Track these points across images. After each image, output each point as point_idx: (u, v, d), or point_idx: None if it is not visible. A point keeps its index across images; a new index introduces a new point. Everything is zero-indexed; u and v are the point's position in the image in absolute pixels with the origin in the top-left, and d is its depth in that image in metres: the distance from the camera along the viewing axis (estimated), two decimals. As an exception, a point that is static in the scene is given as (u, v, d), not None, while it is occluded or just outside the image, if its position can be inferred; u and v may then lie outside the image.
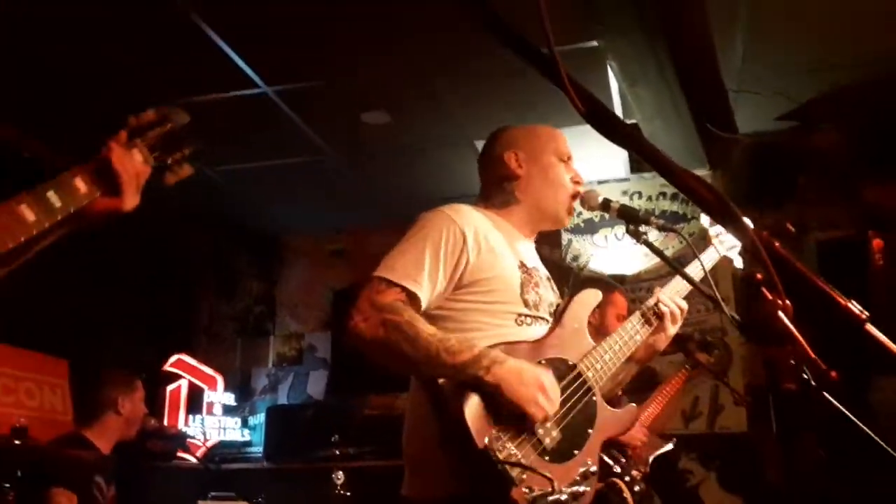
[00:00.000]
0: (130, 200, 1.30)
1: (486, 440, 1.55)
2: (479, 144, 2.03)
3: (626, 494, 3.17)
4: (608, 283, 3.11)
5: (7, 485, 2.44)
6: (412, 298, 1.68)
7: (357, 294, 1.68)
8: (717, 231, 2.15)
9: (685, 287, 2.02)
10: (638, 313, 1.98)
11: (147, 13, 3.32)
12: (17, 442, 2.49)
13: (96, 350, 4.94)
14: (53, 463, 3.04)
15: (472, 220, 1.81)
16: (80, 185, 1.23)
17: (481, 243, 1.79)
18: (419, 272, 1.70)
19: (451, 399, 1.59)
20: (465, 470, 1.58)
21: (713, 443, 4.50)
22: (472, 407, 1.58)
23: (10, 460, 2.49)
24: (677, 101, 3.89)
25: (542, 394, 1.63)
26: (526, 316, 1.80)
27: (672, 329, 2.01)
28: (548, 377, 1.67)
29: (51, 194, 1.18)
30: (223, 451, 5.26)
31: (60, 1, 3.21)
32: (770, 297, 1.21)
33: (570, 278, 1.99)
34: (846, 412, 1.40)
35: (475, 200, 2.00)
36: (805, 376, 1.23)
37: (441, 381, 1.62)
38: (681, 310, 2.02)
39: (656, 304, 2.00)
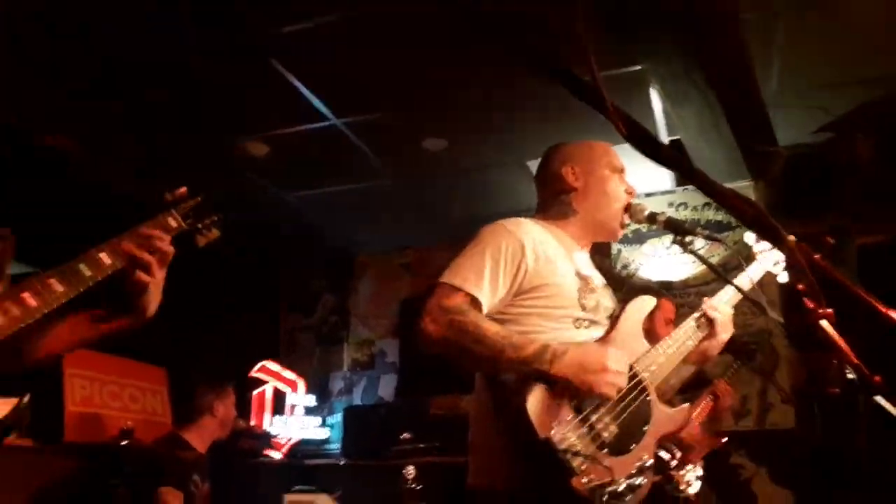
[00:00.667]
0: (159, 275, 1.44)
1: (547, 432, 1.53)
2: (532, 165, 2.04)
3: (683, 487, 3.10)
4: (656, 290, 3.06)
5: (117, 482, 2.52)
6: (475, 302, 1.67)
7: (425, 300, 1.68)
8: (761, 247, 2.09)
9: (734, 294, 1.97)
10: (691, 319, 1.94)
11: (233, 60, 3.46)
12: (124, 443, 2.57)
13: (191, 359, 5.08)
14: (159, 462, 3.13)
15: (529, 232, 1.81)
16: (126, 246, 1.38)
17: (539, 253, 1.77)
18: (481, 279, 1.70)
19: (514, 393, 1.58)
20: (527, 460, 1.56)
21: (763, 439, 4.35)
22: (534, 400, 1.56)
23: (119, 459, 2.58)
24: (718, 118, 3.81)
25: (608, 374, 1.60)
26: (583, 320, 1.78)
27: (723, 335, 1.96)
28: (613, 353, 1.63)
29: (103, 255, 1.34)
30: (304, 449, 5.31)
31: (162, 50, 3.36)
32: (812, 307, 1.18)
33: (621, 286, 1.96)
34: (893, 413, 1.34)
35: (533, 214, 1.98)
36: (850, 379, 1.19)
37: (504, 376, 1.61)
38: (729, 317, 1.97)
39: (706, 312, 1.95)
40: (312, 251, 5.95)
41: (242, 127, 4.09)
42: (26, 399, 1.21)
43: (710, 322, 1.94)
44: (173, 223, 1.50)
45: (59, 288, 1.28)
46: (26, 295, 1.25)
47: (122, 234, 1.42)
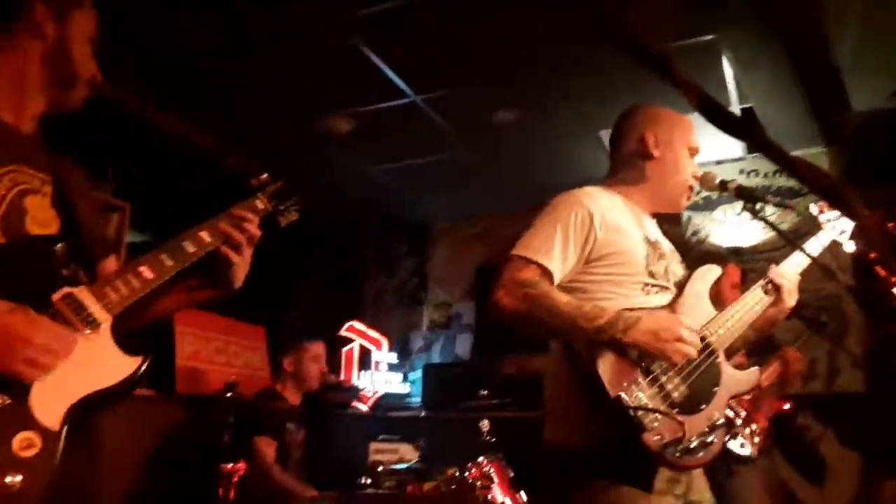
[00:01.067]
0: (247, 253, 1.53)
1: (618, 390, 1.53)
2: (604, 134, 2.00)
3: (746, 446, 3.03)
4: (725, 257, 2.96)
5: (222, 431, 2.66)
6: (546, 273, 1.66)
7: (499, 271, 1.68)
8: (828, 216, 1.99)
9: (802, 260, 1.90)
10: (758, 286, 1.88)
11: (318, 41, 3.51)
12: (229, 395, 2.71)
13: (287, 319, 5.28)
14: (258, 413, 3.29)
15: (598, 201, 1.77)
16: (223, 226, 1.48)
17: (607, 221, 1.74)
18: (551, 250, 1.68)
19: (587, 355, 1.57)
20: (599, 420, 1.56)
21: (830, 402, 4.18)
22: (605, 362, 1.56)
23: (224, 410, 2.72)
24: (791, 84, 3.61)
25: (680, 341, 1.58)
26: (652, 285, 1.75)
27: (790, 301, 1.89)
28: (682, 324, 1.61)
29: (203, 234, 1.45)
30: (388, 402, 5.44)
31: (256, 36, 3.46)
32: (884, 274, 1.12)
33: (691, 253, 1.91)
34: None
35: (604, 178, 1.94)
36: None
37: (577, 344, 1.61)
38: (795, 284, 1.90)
39: (773, 279, 1.89)
40: (394, 219, 6.03)
41: (328, 105, 4.16)
42: (150, 358, 1.30)
43: (777, 288, 1.88)
44: (261, 205, 1.57)
45: (169, 262, 1.38)
46: (143, 269, 1.35)
47: (219, 214, 1.51)
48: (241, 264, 1.52)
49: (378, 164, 4.96)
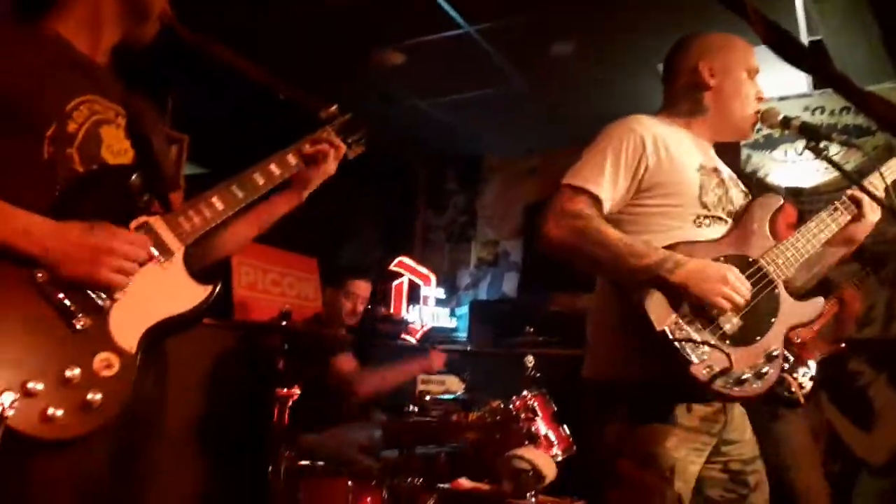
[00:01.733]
0: (331, 168, 1.61)
1: (665, 326, 1.51)
2: (661, 68, 1.90)
3: (795, 388, 2.98)
4: (783, 197, 2.84)
5: (278, 356, 2.75)
6: (596, 202, 1.63)
7: (549, 203, 1.66)
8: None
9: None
10: (825, 212, 1.79)
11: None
12: (284, 323, 2.78)
13: (339, 251, 5.37)
14: (311, 340, 3.39)
15: (651, 128, 1.71)
16: (292, 159, 1.53)
17: (660, 149, 1.68)
18: (601, 178, 1.64)
19: (634, 291, 1.56)
20: (644, 354, 1.55)
21: (886, 347, 4.06)
22: (653, 299, 1.54)
23: (279, 337, 2.80)
24: (865, 15, 3.37)
25: (728, 287, 1.54)
26: (705, 217, 1.69)
27: (872, 216, 1.80)
28: (732, 271, 1.57)
29: (272, 166, 1.50)
30: (435, 335, 5.53)
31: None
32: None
33: (748, 191, 1.84)
34: None
35: (659, 110, 1.86)
36: None
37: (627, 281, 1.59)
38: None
39: (853, 193, 1.78)
40: (445, 155, 5.98)
41: (380, 38, 4.09)
42: (219, 286, 1.35)
43: (857, 203, 1.79)
44: (330, 137, 1.61)
45: (240, 194, 1.43)
46: (214, 199, 1.40)
47: (289, 147, 1.55)
48: (320, 179, 1.61)
49: (430, 98, 4.89)
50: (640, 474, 1.59)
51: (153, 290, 1.28)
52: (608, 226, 1.61)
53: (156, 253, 1.30)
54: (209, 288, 1.34)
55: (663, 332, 1.51)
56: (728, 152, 1.90)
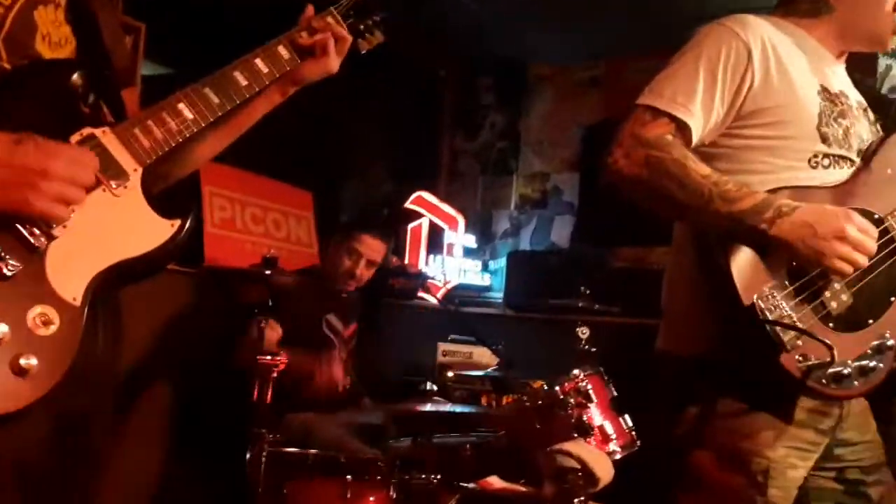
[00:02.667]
0: (332, 64, 1.58)
1: (755, 297, 1.50)
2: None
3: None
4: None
5: (259, 314, 2.77)
6: (682, 130, 1.61)
7: (618, 127, 1.64)
8: None
9: None
10: None
11: None
12: (267, 272, 2.79)
13: (341, 184, 5.36)
14: (302, 294, 3.40)
15: (760, 34, 1.67)
16: (283, 52, 1.52)
17: (771, 62, 1.65)
18: (691, 98, 1.62)
19: (718, 249, 1.55)
20: (729, 329, 1.56)
21: None
22: (742, 259, 1.53)
23: (261, 289, 2.81)
24: None
25: (847, 245, 1.50)
26: (823, 155, 1.67)
27: None
28: (853, 220, 1.53)
29: (258, 61, 1.49)
30: (462, 294, 5.56)
31: None
32: None
33: (886, 114, 1.78)
34: None
35: (772, 10, 1.82)
36: None
37: (710, 231, 1.59)
38: None
39: None
40: (480, 60, 5.88)
41: None
42: (190, 220, 1.35)
43: None
44: (333, 23, 1.56)
45: (215, 99, 1.41)
46: (182, 106, 1.38)
47: (278, 37, 1.52)
48: (316, 77, 1.59)
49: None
50: (722, 476, 1.60)
51: (103, 226, 1.27)
52: (695, 160, 1.59)
53: (106, 176, 1.28)
54: (177, 222, 1.32)
55: (751, 307, 1.50)
56: (859, 68, 1.84)
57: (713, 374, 1.61)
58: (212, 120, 1.41)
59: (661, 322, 1.78)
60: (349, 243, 3.56)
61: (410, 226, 5.58)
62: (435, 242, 5.61)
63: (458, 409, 3.02)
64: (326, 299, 3.61)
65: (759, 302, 1.51)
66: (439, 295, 5.44)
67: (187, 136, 1.38)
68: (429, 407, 2.79)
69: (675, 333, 1.72)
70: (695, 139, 1.64)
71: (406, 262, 5.28)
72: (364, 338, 3.82)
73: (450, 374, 4.43)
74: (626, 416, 3.02)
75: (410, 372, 4.57)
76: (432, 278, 5.39)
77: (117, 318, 1.40)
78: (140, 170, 1.32)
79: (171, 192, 1.48)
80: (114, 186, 1.29)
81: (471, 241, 5.81)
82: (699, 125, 1.63)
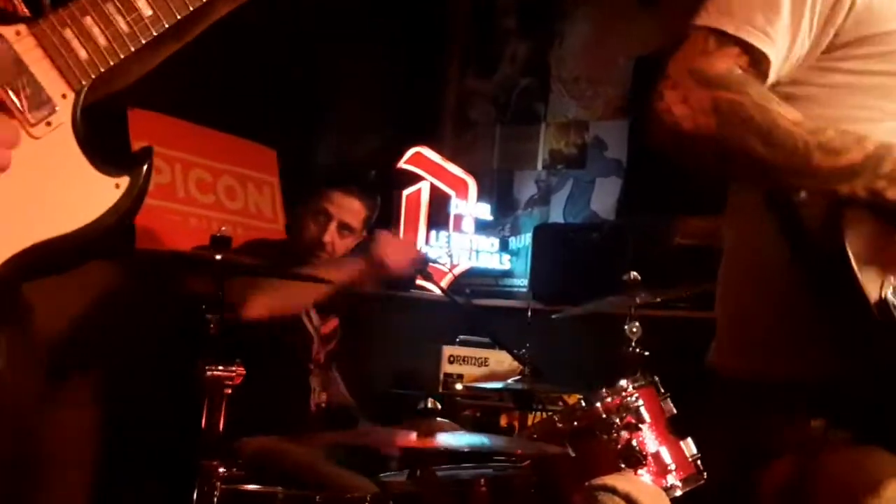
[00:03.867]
0: None
1: (883, 288, 1.50)
2: None
3: None
4: None
5: (209, 311, 2.79)
6: (757, 63, 1.60)
7: (671, 59, 1.63)
8: None
9: None
10: None
11: None
12: (218, 256, 2.80)
13: (314, 139, 5.34)
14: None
15: None
16: None
17: None
18: (771, 20, 1.60)
19: (823, 223, 1.54)
20: (840, 335, 1.55)
21: None
22: (860, 231, 1.52)
23: (210, 279, 2.82)
24: None
25: None
26: None
27: None
28: None
29: None
30: (475, 282, 5.59)
31: None
32: None
33: None
34: None
35: None
36: None
37: (803, 195, 1.57)
38: None
39: None
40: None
41: None
42: (146, 172, 1.30)
43: None
44: None
45: (147, 11, 1.34)
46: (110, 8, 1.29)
47: None
48: None
49: None
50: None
51: (10, 186, 1.20)
52: (778, 101, 1.58)
53: (19, 104, 1.21)
54: (123, 181, 1.26)
55: (883, 302, 1.48)
56: None
57: (814, 405, 1.61)
58: (179, 18, 1.34)
59: (718, 328, 1.79)
60: (315, 202, 3.57)
61: (406, 192, 5.58)
62: (438, 214, 5.64)
63: (469, 435, 3.03)
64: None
65: (892, 295, 1.50)
66: (444, 283, 5.45)
67: (143, 43, 1.32)
68: (436, 438, 2.80)
69: (737, 345, 1.73)
70: (772, 76, 1.63)
71: (400, 238, 5.28)
72: (348, 341, 3.83)
73: (458, 386, 4.46)
74: (689, 441, 3.05)
75: (405, 384, 4.60)
76: (435, 261, 5.40)
77: (27, 323, 1.39)
78: (72, 96, 1.26)
79: (110, 129, 1.45)
80: (31, 122, 1.22)
81: (485, 211, 5.84)
82: (780, 56, 1.62)
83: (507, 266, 5.80)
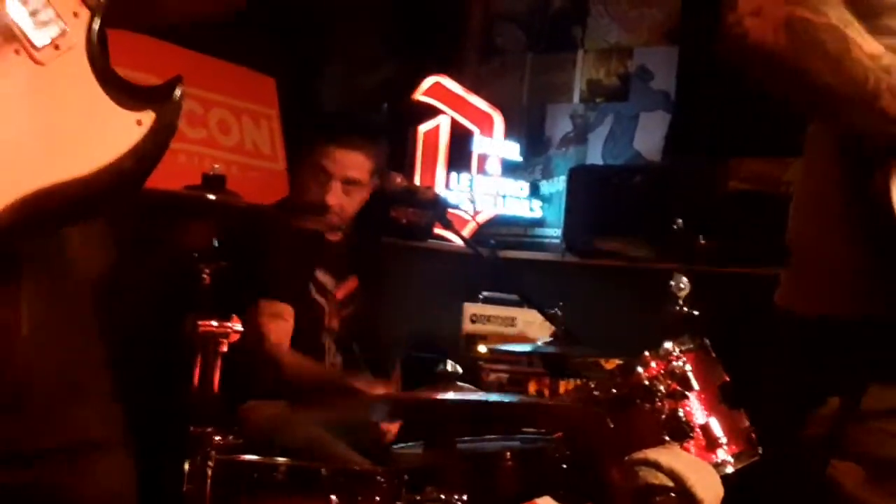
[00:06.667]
0: None
1: None
2: None
3: None
4: None
5: (198, 258, 2.80)
6: None
7: None
8: None
9: None
10: None
11: None
12: (211, 197, 2.80)
13: (317, 66, 5.33)
14: (265, 233, 3.43)
15: None
16: None
17: None
18: None
19: (878, 169, 1.57)
20: (885, 283, 1.59)
21: None
22: None
23: (203, 223, 2.84)
24: None
25: None
26: None
27: None
28: None
29: None
30: (501, 232, 5.60)
31: None
32: None
33: None
34: None
35: None
36: None
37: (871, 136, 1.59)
38: None
39: None
40: None
41: None
42: (177, 105, 1.29)
43: None
44: None
45: None
46: None
47: None
48: None
49: None
50: (871, 498, 1.63)
51: (13, 121, 1.17)
52: (861, 30, 1.58)
53: (20, 24, 1.18)
54: (147, 116, 1.23)
55: None
56: None
57: (863, 345, 1.64)
58: None
59: (784, 269, 1.80)
60: (313, 159, 3.57)
61: (423, 128, 5.58)
62: (460, 153, 5.64)
63: (495, 398, 3.05)
64: (306, 246, 3.63)
65: None
66: (466, 232, 5.46)
67: None
68: (450, 396, 2.82)
69: (807, 285, 1.75)
70: None
71: (416, 182, 5.29)
72: (364, 298, 3.84)
73: (482, 348, 4.48)
74: (743, 412, 3.06)
75: (422, 345, 4.62)
76: (456, 207, 5.41)
77: (53, 279, 1.35)
78: (86, 14, 1.22)
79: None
80: (36, 46, 1.19)
81: (514, 151, 5.84)
82: None
83: (537, 214, 5.81)
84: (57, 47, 1.18)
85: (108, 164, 1.19)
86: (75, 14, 1.20)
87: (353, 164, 3.60)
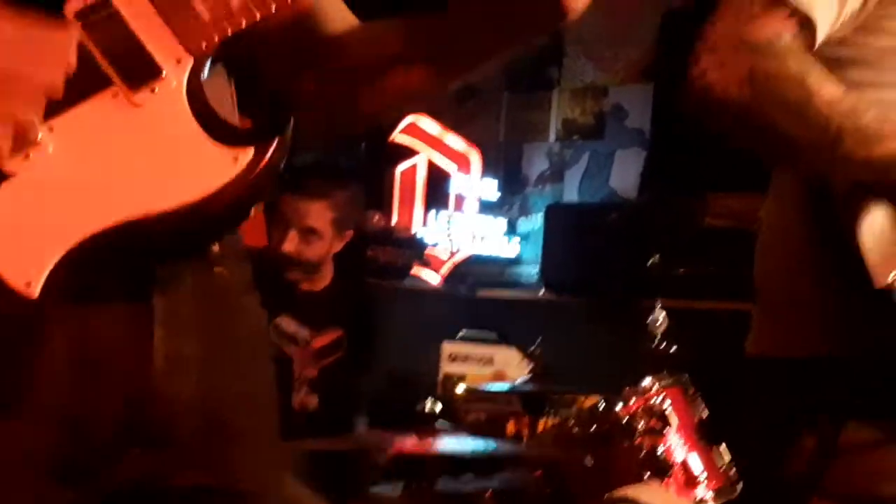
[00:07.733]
0: None
1: (892, 277, 1.53)
2: None
3: None
4: None
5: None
6: (805, 27, 1.61)
7: (712, 20, 1.64)
8: None
9: None
10: None
11: None
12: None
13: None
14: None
15: None
16: None
17: None
18: None
19: (845, 206, 1.59)
20: (853, 322, 1.60)
21: None
22: (875, 224, 1.57)
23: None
24: None
25: None
26: None
27: None
28: None
29: None
30: (479, 270, 5.60)
31: None
32: None
33: None
34: None
35: None
36: None
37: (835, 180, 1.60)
38: None
39: None
40: None
41: None
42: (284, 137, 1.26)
43: None
44: None
45: None
46: None
47: None
48: None
49: None
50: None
51: (102, 157, 1.17)
52: (821, 76, 1.60)
53: (120, 71, 1.17)
54: (246, 152, 1.18)
55: (889, 288, 1.53)
56: None
57: (838, 385, 1.65)
58: None
59: (753, 312, 1.81)
60: (275, 205, 3.53)
61: (400, 168, 5.58)
62: (437, 193, 5.64)
63: (472, 440, 3.05)
64: (274, 292, 3.58)
65: None
66: (443, 271, 5.46)
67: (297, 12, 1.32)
68: (431, 442, 2.82)
69: (776, 329, 1.76)
70: (819, 38, 1.64)
71: (393, 222, 5.29)
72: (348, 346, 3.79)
73: (460, 387, 4.47)
74: (723, 448, 3.07)
75: (399, 384, 4.61)
76: (433, 246, 5.42)
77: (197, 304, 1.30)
78: (189, 60, 1.21)
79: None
80: (130, 88, 1.18)
81: (491, 189, 5.85)
82: (829, 19, 1.63)
83: (515, 252, 5.81)
84: (153, 91, 1.19)
85: (199, 199, 1.18)
86: (178, 61, 1.21)
87: (311, 213, 3.54)
